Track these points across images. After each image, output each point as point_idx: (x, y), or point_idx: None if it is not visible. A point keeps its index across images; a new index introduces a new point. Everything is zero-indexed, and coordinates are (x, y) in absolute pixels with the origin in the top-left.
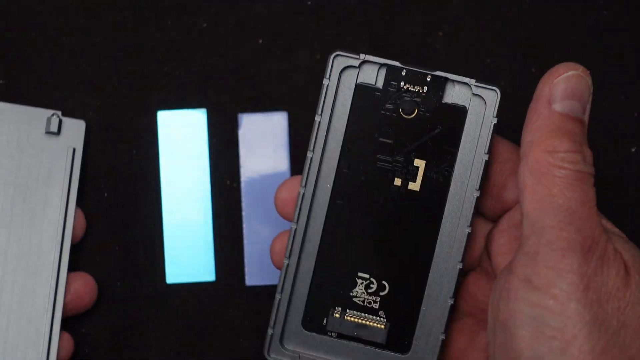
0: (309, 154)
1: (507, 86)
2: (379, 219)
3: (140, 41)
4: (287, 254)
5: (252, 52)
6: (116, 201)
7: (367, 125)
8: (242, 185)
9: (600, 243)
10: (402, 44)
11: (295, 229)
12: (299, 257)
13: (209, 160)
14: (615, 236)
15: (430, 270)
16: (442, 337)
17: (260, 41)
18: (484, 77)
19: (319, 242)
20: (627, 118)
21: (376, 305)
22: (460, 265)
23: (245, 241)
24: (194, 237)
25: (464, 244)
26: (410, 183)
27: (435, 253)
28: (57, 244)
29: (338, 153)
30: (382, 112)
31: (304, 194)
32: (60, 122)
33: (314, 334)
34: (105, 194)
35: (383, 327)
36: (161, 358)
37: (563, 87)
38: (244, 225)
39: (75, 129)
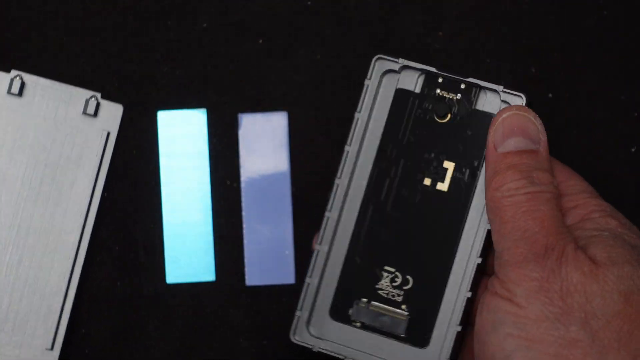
0: (347, 148)
1: (508, 86)
2: (408, 216)
3: (140, 41)
4: (319, 241)
5: (252, 52)
6: (116, 201)
7: (403, 127)
8: (242, 185)
9: (556, 248)
10: (402, 44)
11: (329, 218)
12: (331, 245)
13: (209, 160)
14: (591, 235)
15: (453, 265)
16: (458, 329)
17: (260, 41)
18: (484, 77)
19: (350, 233)
20: (627, 118)
21: (399, 299)
22: (479, 261)
23: (245, 241)
24: (194, 237)
25: (483, 240)
26: (439, 183)
27: (458, 249)
28: (79, 225)
29: (375, 150)
30: (418, 115)
31: (338, 185)
32: (98, 104)
33: (339, 322)
34: (105, 194)
35: (404, 319)
36: (161, 358)
37: (501, 130)
38: (244, 225)
39: (112, 113)
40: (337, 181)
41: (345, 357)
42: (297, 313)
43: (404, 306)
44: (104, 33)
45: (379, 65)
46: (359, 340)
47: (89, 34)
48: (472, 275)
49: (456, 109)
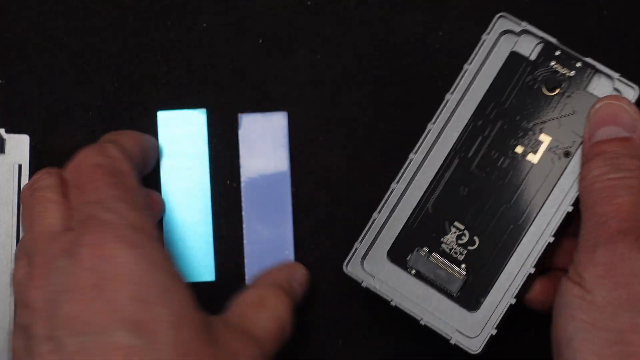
0: (448, 96)
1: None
2: (490, 179)
3: (140, 41)
4: (397, 179)
5: (252, 52)
6: None
7: (509, 90)
8: (242, 185)
9: (629, 234)
10: (402, 43)
11: (412, 160)
12: (407, 187)
13: (208, 161)
14: None
15: (523, 238)
16: (512, 301)
17: (260, 41)
18: None
19: (430, 180)
20: None
21: (461, 257)
22: (551, 240)
23: (245, 241)
24: (194, 237)
25: (560, 221)
26: (530, 154)
27: (532, 223)
28: (11, 264)
29: (475, 105)
30: (526, 82)
31: (431, 130)
32: (2, 140)
33: (395, 265)
34: None
35: (461, 278)
36: None
37: (593, 122)
38: (244, 225)
39: (19, 145)
40: (430, 126)
41: (392, 300)
42: (356, 245)
43: (463, 265)
44: (104, 33)
45: (500, 23)
46: (410, 288)
47: (89, 34)
48: (541, 252)
49: (567, 85)
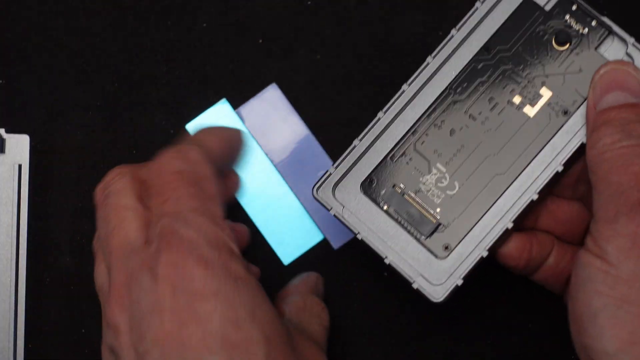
0: (454, 31)
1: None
2: (482, 125)
3: (140, 41)
4: (385, 109)
5: (252, 52)
6: None
7: (517, 36)
8: (280, 170)
9: None
10: (402, 43)
11: (404, 91)
12: (394, 119)
13: (255, 140)
14: None
15: (505, 191)
16: (484, 254)
17: (260, 41)
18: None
19: (419, 116)
20: None
21: (437, 201)
22: (535, 197)
23: (310, 212)
24: (284, 210)
25: (548, 180)
26: (527, 106)
27: (518, 177)
28: (11, 266)
29: (479, 46)
30: (536, 31)
31: (428, 64)
32: (3, 140)
33: (367, 198)
34: None
35: (434, 222)
36: None
37: (599, 87)
38: (302, 201)
39: (19, 145)
40: (428, 59)
41: (359, 234)
42: (331, 170)
43: (438, 209)
44: (104, 33)
45: None
46: (380, 224)
47: (89, 34)
48: (522, 208)
49: (577, 42)
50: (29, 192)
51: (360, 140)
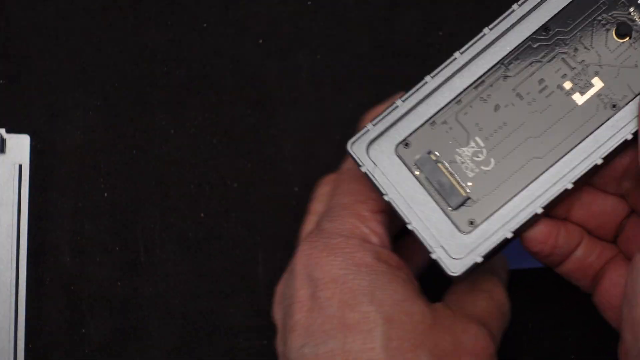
0: (515, 6)
1: None
2: (529, 105)
3: (140, 41)
4: (433, 74)
5: (252, 52)
6: (116, 201)
7: (578, 21)
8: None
9: None
10: (403, 43)
11: (455, 59)
12: (440, 85)
13: None
14: None
15: (540, 176)
16: (509, 235)
17: (260, 41)
18: None
19: (466, 86)
20: None
21: (471, 175)
22: (570, 186)
23: None
24: None
25: (585, 171)
26: (577, 94)
27: (555, 164)
28: (12, 264)
29: (538, 25)
30: (598, 19)
31: (486, 35)
32: (3, 140)
33: (400, 160)
34: (105, 194)
35: (463, 194)
36: (161, 358)
37: None
38: None
39: (19, 145)
40: (485, 30)
41: (386, 195)
42: (369, 126)
43: (470, 183)
44: (104, 33)
45: None
46: (408, 189)
47: (89, 34)
48: (555, 195)
49: (638, 36)
50: (29, 192)
51: (404, 101)
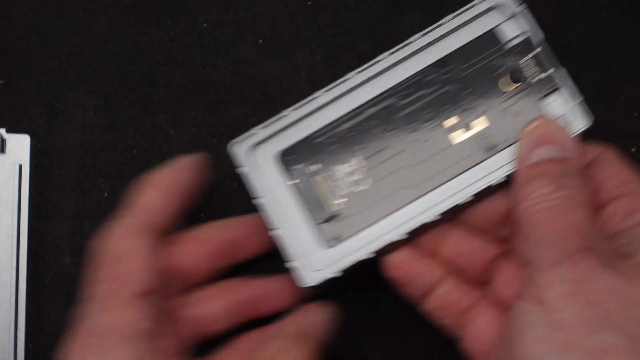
0: (417, 36)
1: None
2: (412, 134)
3: (140, 41)
4: (327, 89)
5: (252, 52)
6: (116, 201)
7: (473, 62)
8: None
9: (591, 250)
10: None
11: (349, 79)
12: (330, 101)
13: None
14: (634, 240)
15: (409, 204)
16: (364, 257)
17: (260, 41)
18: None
19: (354, 107)
20: (627, 118)
21: (345, 191)
22: (435, 219)
23: None
24: None
25: (450, 207)
26: (459, 131)
27: (424, 195)
28: (12, 264)
29: (434, 58)
30: (493, 63)
31: (382, 60)
32: (3, 140)
33: (279, 167)
34: (106, 194)
35: (332, 209)
36: None
37: (529, 142)
38: None
39: (20, 145)
40: (383, 55)
41: (259, 198)
42: (255, 130)
43: (343, 200)
44: (104, 33)
45: None
46: (282, 196)
47: (89, 34)
48: (417, 226)
49: (527, 85)
50: (29, 192)
51: (293, 110)
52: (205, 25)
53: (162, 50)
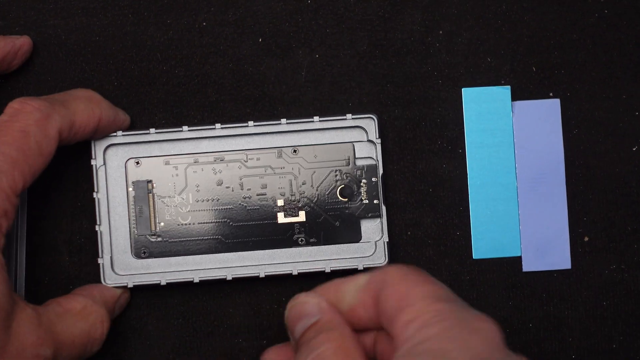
0: (283, 120)
1: (508, 84)
2: (244, 198)
3: (140, 41)
4: (192, 128)
5: (252, 51)
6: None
7: (322, 161)
8: (518, 175)
9: None
10: (402, 42)
11: (215, 128)
12: (193, 138)
13: (512, 136)
14: None
15: (213, 254)
16: (163, 282)
17: (260, 40)
18: (485, 75)
19: (209, 151)
20: (628, 117)
21: (167, 218)
22: (229, 278)
23: (520, 227)
24: (500, 212)
25: (247, 275)
26: (282, 213)
27: (228, 252)
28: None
29: (292, 144)
30: (339, 169)
31: (247, 126)
32: None
33: (124, 171)
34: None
35: (152, 229)
36: (161, 358)
37: (289, 324)
38: (520, 212)
39: None
40: (250, 122)
41: (97, 193)
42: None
43: (162, 224)
44: (104, 33)
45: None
46: (117, 198)
47: (89, 34)
48: (210, 278)
49: (351, 205)
50: (28, 191)
51: (156, 132)
52: (204, 24)
53: (162, 49)
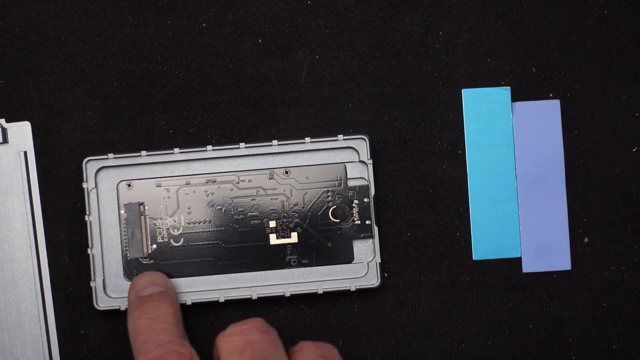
0: (275, 142)
1: (508, 85)
2: (236, 219)
3: (140, 41)
4: (183, 150)
5: (252, 52)
6: None
7: (315, 183)
8: (518, 175)
9: None
10: (402, 43)
11: (206, 150)
12: (184, 160)
13: (513, 136)
14: None
15: (203, 276)
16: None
17: (260, 40)
18: (485, 76)
19: (201, 172)
20: (628, 118)
21: (160, 240)
22: (221, 300)
23: (520, 228)
24: (500, 212)
25: (238, 298)
26: (274, 235)
27: (217, 275)
28: (32, 251)
29: (283, 165)
30: (331, 190)
31: (240, 147)
32: (4, 130)
33: (116, 194)
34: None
35: (144, 252)
36: None
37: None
38: (520, 213)
39: (22, 133)
40: (242, 144)
41: (88, 215)
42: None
43: (154, 247)
44: (104, 33)
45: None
46: (109, 221)
47: (89, 34)
48: (200, 300)
49: (343, 227)
50: (38, 176)
51: (148, 155)
52: (204, 24)
53: (162, 50)
